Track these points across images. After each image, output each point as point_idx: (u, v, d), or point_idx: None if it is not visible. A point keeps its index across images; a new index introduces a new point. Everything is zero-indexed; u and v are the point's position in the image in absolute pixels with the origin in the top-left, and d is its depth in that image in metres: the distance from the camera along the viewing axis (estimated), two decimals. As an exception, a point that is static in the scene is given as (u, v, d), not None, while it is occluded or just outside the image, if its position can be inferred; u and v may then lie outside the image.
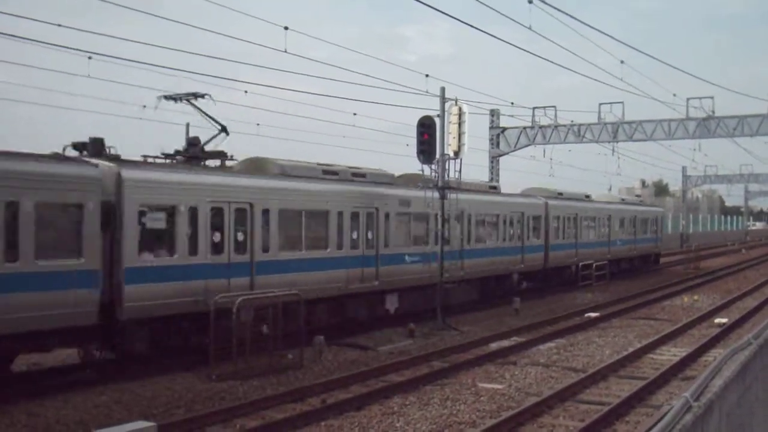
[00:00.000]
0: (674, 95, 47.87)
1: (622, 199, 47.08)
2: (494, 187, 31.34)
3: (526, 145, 44.55)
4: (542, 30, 21.11)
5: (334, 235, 20.05)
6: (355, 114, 41.81)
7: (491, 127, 44.84)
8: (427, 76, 27.64)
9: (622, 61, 31.81)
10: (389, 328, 21.73)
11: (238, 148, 19.06)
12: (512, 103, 41.18)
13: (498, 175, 44.56)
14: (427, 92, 26.47)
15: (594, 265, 35.46)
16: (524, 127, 43.99)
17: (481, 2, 17.78)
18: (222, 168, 18.61)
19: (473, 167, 47.68)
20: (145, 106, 31.37)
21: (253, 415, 12.64)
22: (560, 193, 35.53)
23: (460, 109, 23.11)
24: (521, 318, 24.79)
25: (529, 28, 20.76)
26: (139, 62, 22.57)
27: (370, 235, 21.28)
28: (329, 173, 20.86)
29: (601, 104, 42.00)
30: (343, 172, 21.40)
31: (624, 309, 27.31)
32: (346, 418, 12.56)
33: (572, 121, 43.09)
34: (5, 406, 12.68)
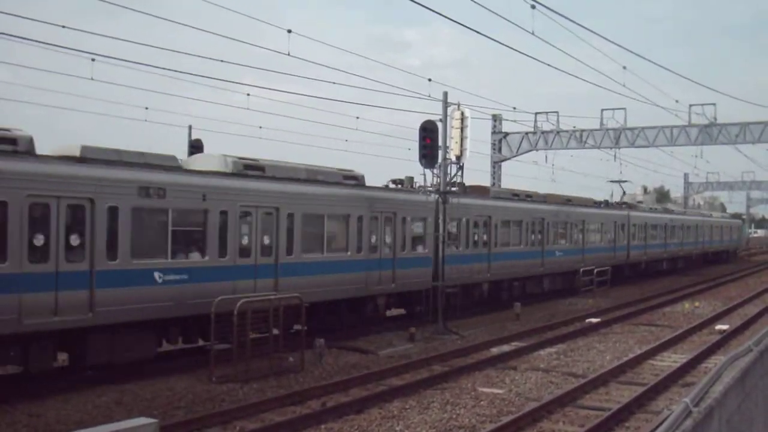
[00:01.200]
0: (676, 102, 47.95)
1: (722, 215, 77.75)
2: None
3: (528, 151, 44.60)
4: (545, 36, 21.14)
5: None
6: (357, 118, 41.84)
7: (493, 132, 44.89)
8: (429, 80, 27.79)
9: (624, 67, 31.89)
10: (390, 332, 21.76)
11: (240, 150, 19.15)
12: (515, 108, 41.34)
13: (500, 180, 44.59)
14: (429, 96, 26.55)
15: (596, 270, 35.55)
16: (526, 133, 44.04)
17: (484, 7, 17.84)
18: None
19: (475, 172, 47.78)
20: (147, 108, 31.52)
21: (253, 418, 12.64)
22: (707, 213, 67.36)
23: (462, 113, 23.13)
24: (522, 323, 24.78)
25: (532, 34, 20.80)
26: (142, 64, 22.62)
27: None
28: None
29: (603, 110, 42.13)
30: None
31: (625, 315, 27.29)
32: (346, 422, 12.56)
33: (574, 127, 43.18)
34: (6, 406, 12.71)
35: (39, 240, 13.29)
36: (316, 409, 13.14)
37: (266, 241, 17.91)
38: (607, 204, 42.02)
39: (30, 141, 13.78)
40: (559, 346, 20.60)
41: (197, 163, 18.26)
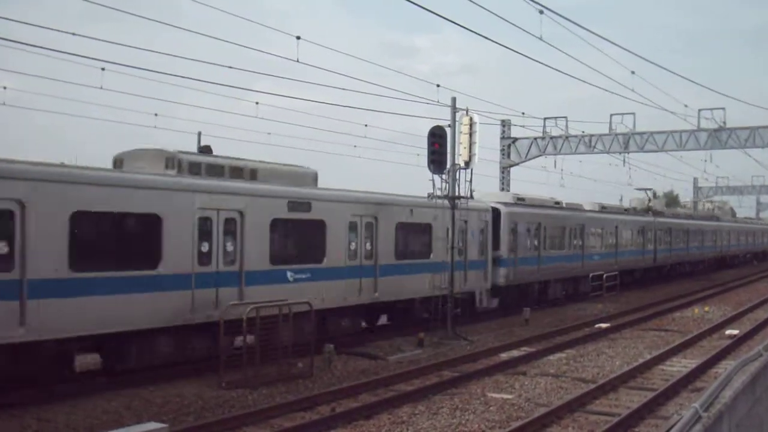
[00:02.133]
0: (686, 106, 47.74)
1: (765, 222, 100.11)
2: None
3: (537, 156, 44.51)
4: (553, 41, 21.10)
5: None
6: (366, 125, 41.68)
7: (502, 138, 44.82)
8: (438, 86, 27.72)
9: (633, 72, 31.77)
10: (400, 337, 21.75)
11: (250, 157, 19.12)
12: (523, 114, 41.13)
13: (509, 185, 44.51)
14: (438, 102, 26.53)
15: (604, 276, 35.53)
16: (535, 138, 43.96)
17: (492, 13, 17.86)
18: None
19: (484, 178, 47.64)
20: (156, 114, 31.64)
21: (262, 423, 12.67)
22: (760, 222, 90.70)
23: (471, 119, 23.11)
24: (531, 328, 24.75)
25: (540, 39, 20.79)
26: (150, 70, 22.70)
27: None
28: None
29: (612, 115, 41.93)
30: None
31: (634, 320, 27.23)
32: (355, 427, 12.57)
33: (583, 132, 43.06)
34: (16, 410, 12.76)
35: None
36: (325, 414, 13.14)
37: None
38: (709, 218, 64.01)
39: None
40: (568, 351, 20.56)
41: None
